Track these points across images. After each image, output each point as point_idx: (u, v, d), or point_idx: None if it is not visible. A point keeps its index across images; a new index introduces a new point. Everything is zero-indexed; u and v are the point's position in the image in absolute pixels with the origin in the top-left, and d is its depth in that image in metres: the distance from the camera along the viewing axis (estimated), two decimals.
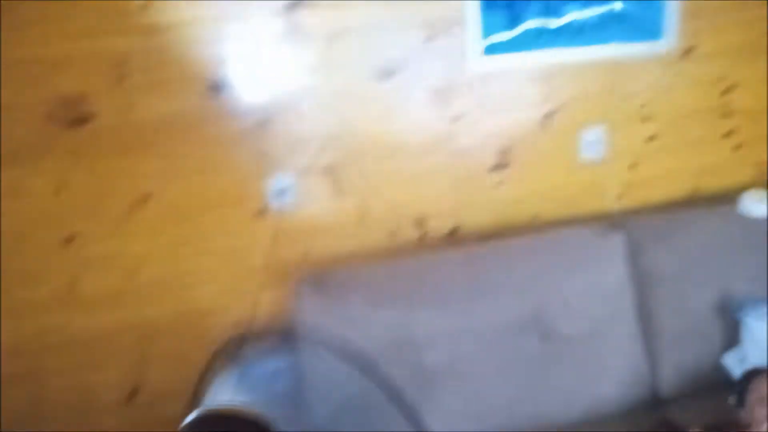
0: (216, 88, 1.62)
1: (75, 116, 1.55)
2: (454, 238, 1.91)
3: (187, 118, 1.62)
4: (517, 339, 1.46)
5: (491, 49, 1.78)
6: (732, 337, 1.54)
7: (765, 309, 1.48)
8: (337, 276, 1.55)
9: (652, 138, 2.01)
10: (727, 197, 2.08)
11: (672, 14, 1.89)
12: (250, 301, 1.77)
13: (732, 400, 1.34)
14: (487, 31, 1.76)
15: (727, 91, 2.04)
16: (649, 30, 1.89)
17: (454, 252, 1.59)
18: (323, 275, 1.54)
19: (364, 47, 1.69)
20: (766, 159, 2.14)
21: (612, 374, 1.49)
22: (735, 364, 1.51)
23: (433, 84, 1.78)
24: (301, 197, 1.75)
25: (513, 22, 1.77)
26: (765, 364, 1.45)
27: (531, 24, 1.78)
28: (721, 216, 1.69)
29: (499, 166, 1.90)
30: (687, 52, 1.96)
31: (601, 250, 1.52)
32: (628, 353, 1.51)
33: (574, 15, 1.81)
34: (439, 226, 1.90)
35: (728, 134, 2.08)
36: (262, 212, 1.73)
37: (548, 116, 1.89)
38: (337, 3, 1.64)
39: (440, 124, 1.81)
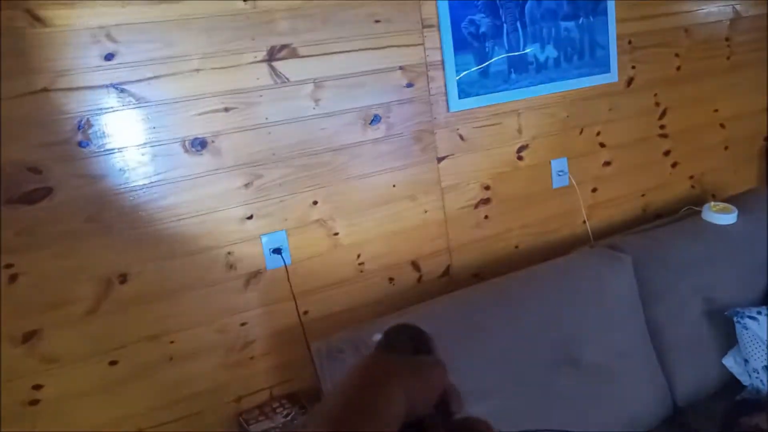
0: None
1: None
2: (449, 277, 1.92)
3: None
4: (548, 370, 1.48)
5: (465, 93, 1.84)
6: (725, 340, 1.67)
7: (754, 311, 1.63)
8: (350, 336, 1.44)
9: (607, 164, 2.17)
10: (673, 210, 2.31)
11: (614, 49, 2.06)
12: None
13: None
14: (459, 69, 1.82)
15: (662, 115, 2.25)
16: (599, 65, 2.05)
17: (477, 290, 1.58)
18: (335, 340, 1.43)
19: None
20: (698, 173, 2.39)
21: (638, 394, 1.55)
22: (734, 363, 1.64)
23: (416, 128, 1.80)
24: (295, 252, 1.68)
25: (482, 60, 1.85)
26: (764, 361, 1.59)
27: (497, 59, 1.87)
28: (692, 228, 1.84)
29: (483, 201, 1.94)
30: (628, 83, 2.15)
31: (614, 274, 1.60)
32: (649, 371, 1.59)
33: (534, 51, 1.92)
34: (434, 267, 1.90)
35: (667, 153, 2.30)
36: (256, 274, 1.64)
37: (521, 150, 1.98)
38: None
39: (427, 166, 1.83)
